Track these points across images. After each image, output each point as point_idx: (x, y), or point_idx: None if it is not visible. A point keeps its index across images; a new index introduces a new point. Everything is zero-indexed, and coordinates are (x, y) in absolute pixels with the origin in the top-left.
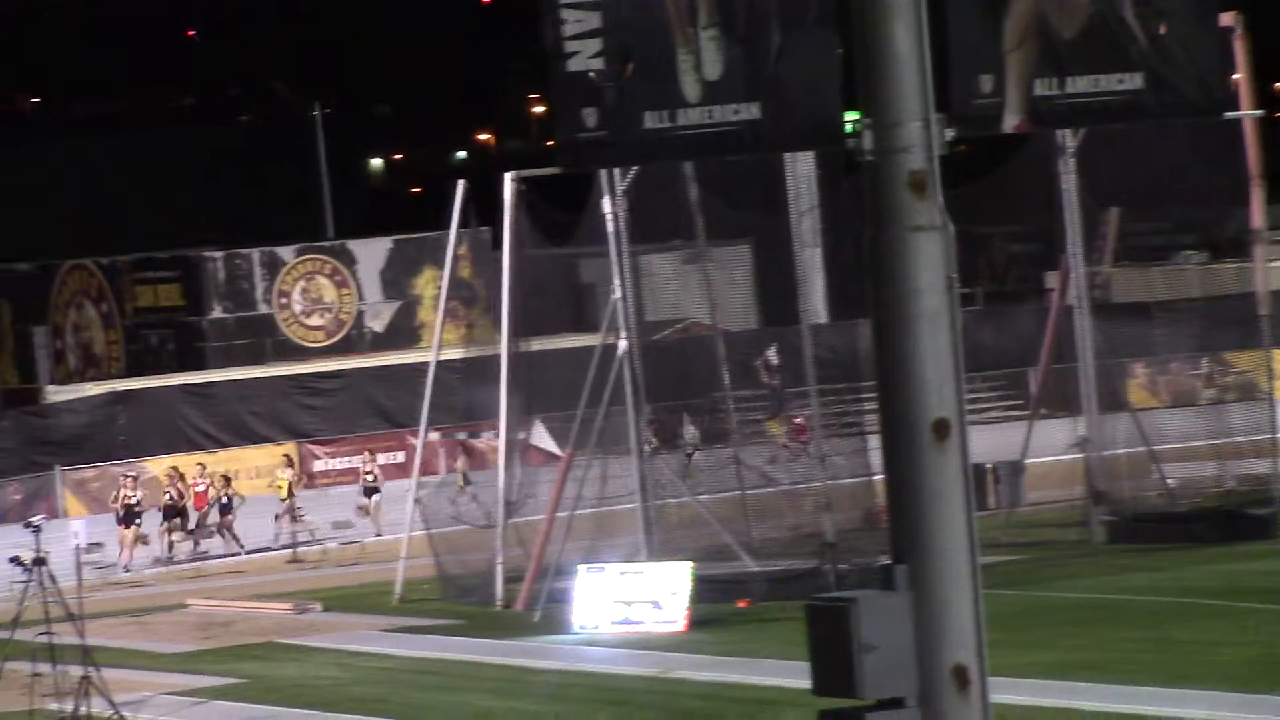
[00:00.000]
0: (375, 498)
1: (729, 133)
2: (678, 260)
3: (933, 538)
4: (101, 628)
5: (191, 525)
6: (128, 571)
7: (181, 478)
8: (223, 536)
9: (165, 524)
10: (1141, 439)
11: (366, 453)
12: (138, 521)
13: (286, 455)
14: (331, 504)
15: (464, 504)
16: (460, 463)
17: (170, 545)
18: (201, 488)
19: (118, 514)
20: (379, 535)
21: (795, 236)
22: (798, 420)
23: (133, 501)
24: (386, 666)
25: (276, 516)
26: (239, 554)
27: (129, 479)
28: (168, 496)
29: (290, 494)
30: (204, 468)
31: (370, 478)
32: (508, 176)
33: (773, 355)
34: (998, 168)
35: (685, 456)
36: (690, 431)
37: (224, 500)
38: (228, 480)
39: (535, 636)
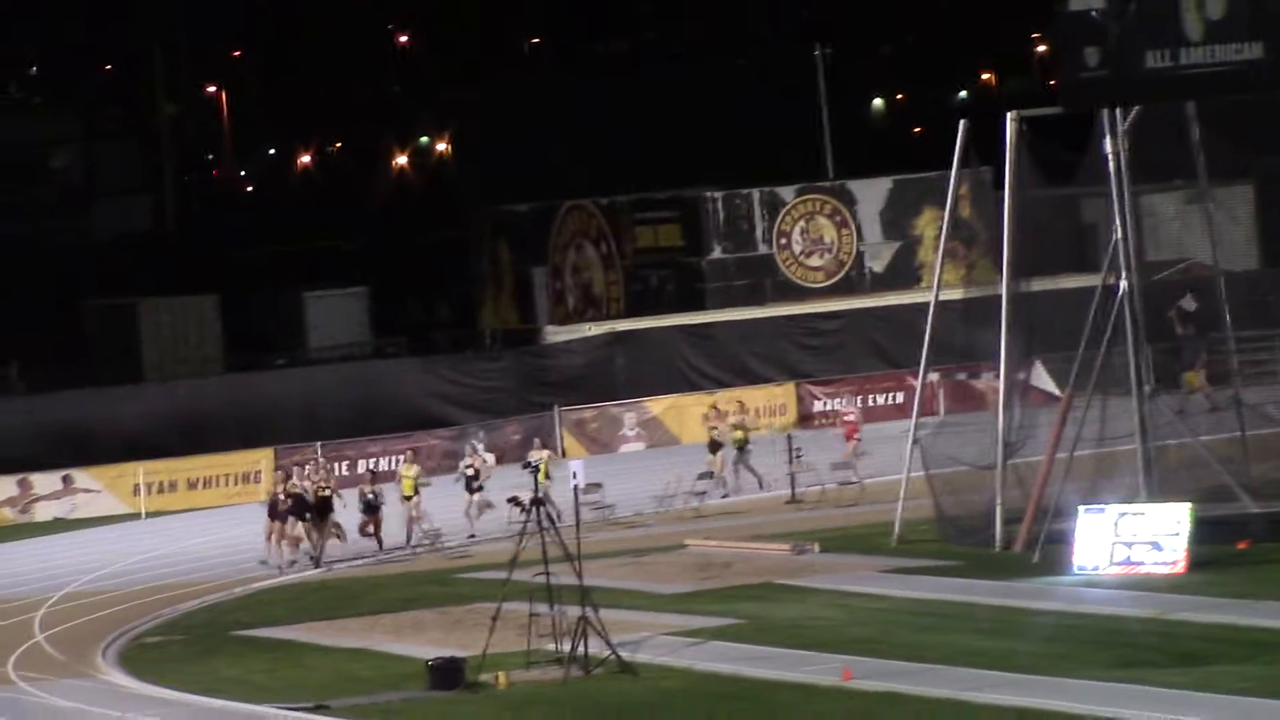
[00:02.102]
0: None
1: (1231, 72)
2: (1179, 200)
3: None
4: (599, 568)
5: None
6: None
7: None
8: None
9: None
10: None
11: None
12: None
13: (412, 449)
14: (830, 445)
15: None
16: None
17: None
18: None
19: None
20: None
21: None
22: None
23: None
24: (883, 607)
25: (409, 519)
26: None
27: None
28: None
29: (415, 492)
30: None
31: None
32: (1009, 116)
33: (1188, 303)
34: None
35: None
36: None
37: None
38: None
39: (1033, 578)
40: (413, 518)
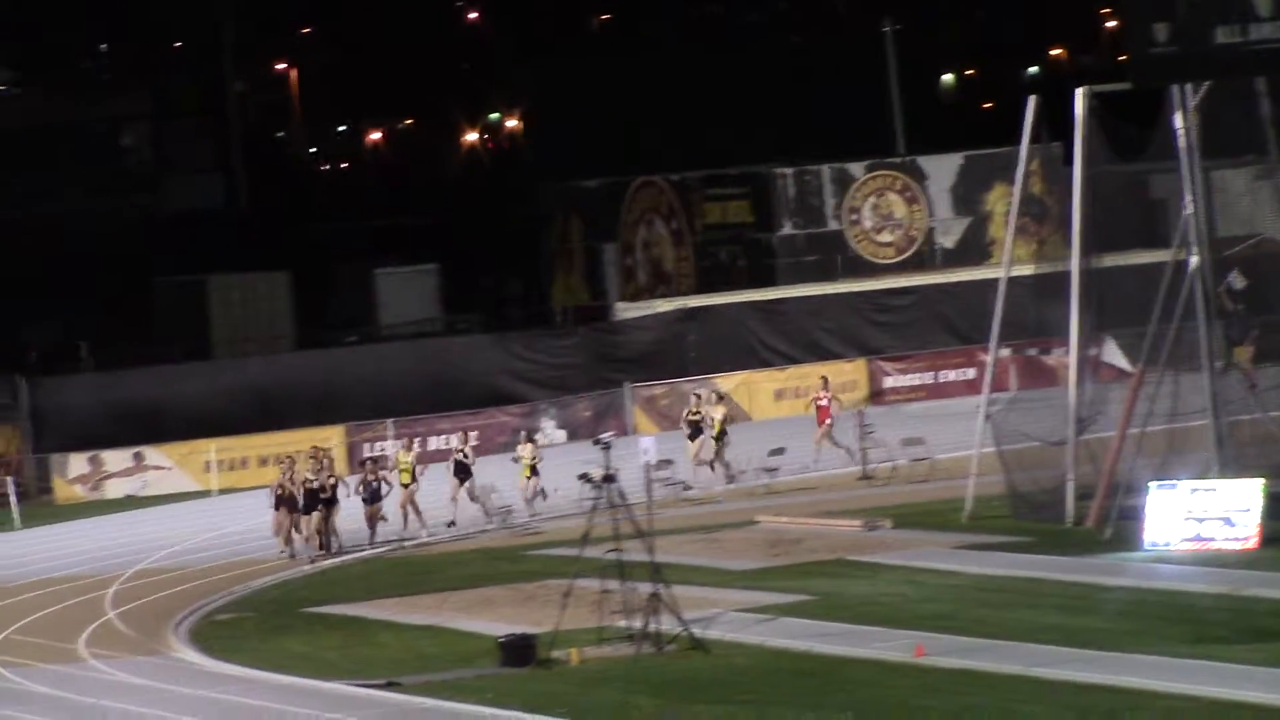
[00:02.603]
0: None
1: None
2: (1250, 176)
3: None
4: (670, 544)
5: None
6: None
7: None
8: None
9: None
10: None
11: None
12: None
13: (408, 438)
14: (902, 421)
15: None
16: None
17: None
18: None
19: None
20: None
21: None
22: None
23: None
24: (955, 584)
25: (404, 505)
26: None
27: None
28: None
29: (413, 479)
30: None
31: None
32: (1079, 92)
33: (1235, 280)
34: None
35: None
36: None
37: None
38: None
39: (1105, 553)
40: (407, 505)
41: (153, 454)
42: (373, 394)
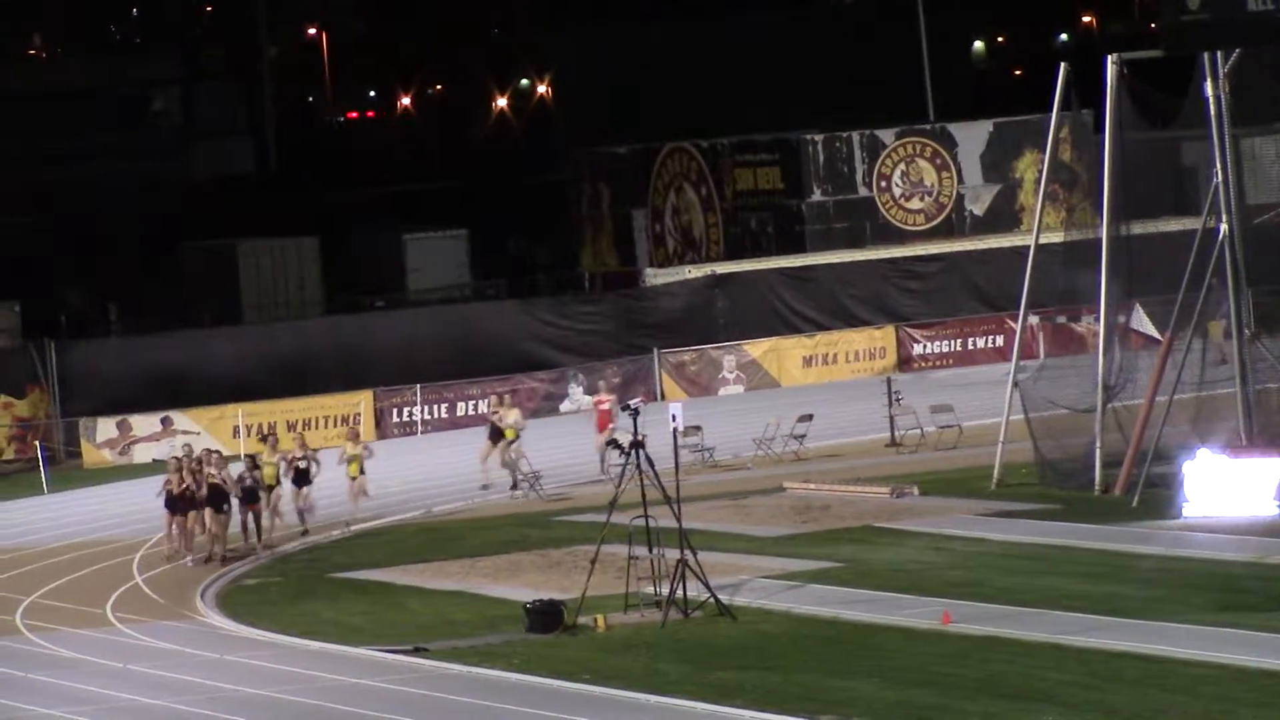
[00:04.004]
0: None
1: None
2: None
3: None
4: (698, 511)
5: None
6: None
7: None
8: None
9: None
10: None
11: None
12: None
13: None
14: (929, 388)
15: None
16: None
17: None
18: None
19: None
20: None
21: None
22: None
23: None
24: (982, 550)
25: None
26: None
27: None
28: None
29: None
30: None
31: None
32: (1110, 59)
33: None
34: None
35: None
36: None
37: None
38: None
39: (1133, 521)
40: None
41: (181, 419)
42: (400, 359)
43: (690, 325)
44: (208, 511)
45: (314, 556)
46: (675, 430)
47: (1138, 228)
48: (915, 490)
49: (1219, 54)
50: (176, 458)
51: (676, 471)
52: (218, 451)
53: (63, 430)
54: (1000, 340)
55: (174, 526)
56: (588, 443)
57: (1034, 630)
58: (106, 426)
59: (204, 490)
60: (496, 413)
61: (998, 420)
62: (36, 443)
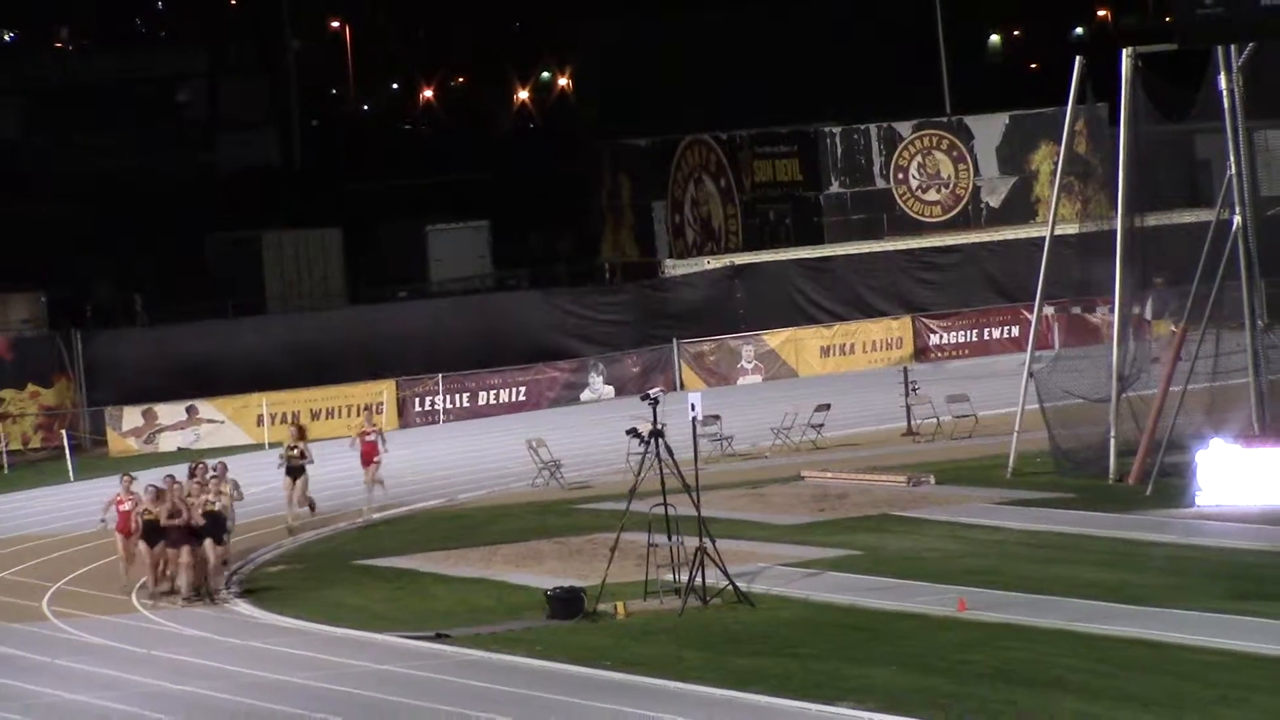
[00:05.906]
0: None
1: None
2: None
3: None
4: (717, 499)
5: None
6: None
7: None
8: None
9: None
10: None
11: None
12: None
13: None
14: (946, 378)
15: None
16: None
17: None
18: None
19: None
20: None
21: None
22: None
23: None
24: (998, 539)
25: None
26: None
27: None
28: None
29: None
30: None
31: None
32: (1125, 52)
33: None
34: None
35: None
36: None
37: None
38: None
39: (1148, 510)
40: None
41: (206, 408)
42: (423, 349)
43: (709, 315)
44: (208, 543)
45: (336, 544)
46: (694, 419)
47: (1152, 219)
48: (931, 479)
49: (1233, 48)
50: (132, 475)
51: (695, 460)
52: (222, 462)
53: (89, 419)
54: (1016, 331)
55: (148, 557)
56: (607, 431)
57: (1049, 617)
58: (132, 415)
59: (197, 518)
60: (296, 447)
61: (1013, 410)
62: (63, 431)
